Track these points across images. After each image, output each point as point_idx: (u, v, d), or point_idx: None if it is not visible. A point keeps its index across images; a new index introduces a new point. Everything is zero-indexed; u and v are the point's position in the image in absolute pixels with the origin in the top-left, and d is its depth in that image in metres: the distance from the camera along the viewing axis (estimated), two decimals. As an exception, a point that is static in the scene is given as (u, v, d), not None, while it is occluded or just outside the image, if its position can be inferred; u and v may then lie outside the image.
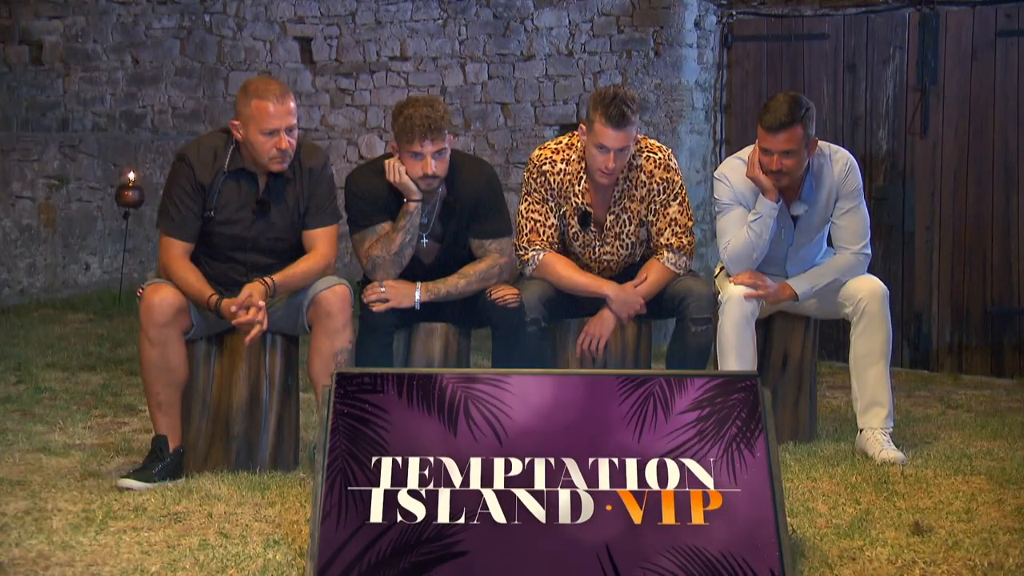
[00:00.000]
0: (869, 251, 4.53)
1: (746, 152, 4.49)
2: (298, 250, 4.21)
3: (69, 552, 3.22)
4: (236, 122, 4.09)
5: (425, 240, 4.39)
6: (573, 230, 4.52)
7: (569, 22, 8.14)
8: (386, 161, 4.34)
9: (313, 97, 8.73)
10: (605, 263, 4.57)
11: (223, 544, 3.28)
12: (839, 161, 4.48)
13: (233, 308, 3.96)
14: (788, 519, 3.16)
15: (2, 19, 9.38)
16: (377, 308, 4.26)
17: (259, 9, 8.86)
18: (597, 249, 4.54)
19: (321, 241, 4.19)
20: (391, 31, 8.56)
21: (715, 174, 4.62)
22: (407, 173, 4.26)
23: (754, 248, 4.43)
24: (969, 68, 7.55)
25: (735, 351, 4.36)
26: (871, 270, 4.61)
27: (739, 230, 4.44)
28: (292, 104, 4.07)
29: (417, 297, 4.31)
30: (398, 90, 8.48)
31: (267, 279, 4.04)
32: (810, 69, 7.77)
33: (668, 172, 4.49)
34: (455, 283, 4.36)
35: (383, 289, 4.30)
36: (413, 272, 4.39)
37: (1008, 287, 7.54)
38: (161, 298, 3.98)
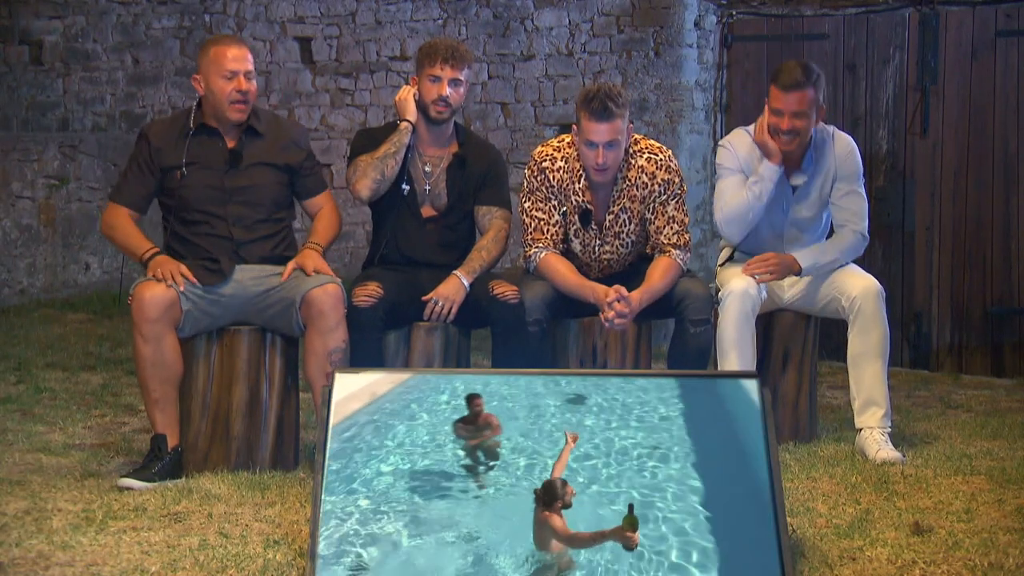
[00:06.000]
0: (867, 235, 4.62)
1: (753, 126, 4.58)
2: (283, 207, 4.34)
3: (69, 552, 3.22)
4: (197, 76, 4.26)
5: (428, 187, 4.49)
6: (574, 228, 4.52)
7: (569, 22, 8.13)
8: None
9: (313, 97, 8.72)
10: (605, 262, 4.57)
11: (223, 544, 3.28)
12: (842, 141, 4.63)
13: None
14: (788, 519, 3.16)
15: (2, 19, 9.36)
16: (360, 303, 4.22)
17: (259, 9, 8.85)
18: (597, 249, 4.54)
19: (323, 198, 4.45)
20: (391, 31, 8.55)
21: (720, 142, 4.74)
22: (422, 97, 4.50)
23: (750, 209, 4.50)
24: (969, 68, 7.54)
25: (736, 348, 4.36)
26: (870, 270, 4.61)
27: (737, 191, 4.51)
28: (249, 53, 4.27)
29: (465, 283, 4.38)
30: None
31: (311, 243, 4.29)
32: (810, 69, 7.76)
33: (669, 173, 4.48)
34: (481, 257, 4.47)
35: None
36: (422, 254, 4.46)
37: (1008, 287, 7.54)
38: (152, 294, 4.01)
